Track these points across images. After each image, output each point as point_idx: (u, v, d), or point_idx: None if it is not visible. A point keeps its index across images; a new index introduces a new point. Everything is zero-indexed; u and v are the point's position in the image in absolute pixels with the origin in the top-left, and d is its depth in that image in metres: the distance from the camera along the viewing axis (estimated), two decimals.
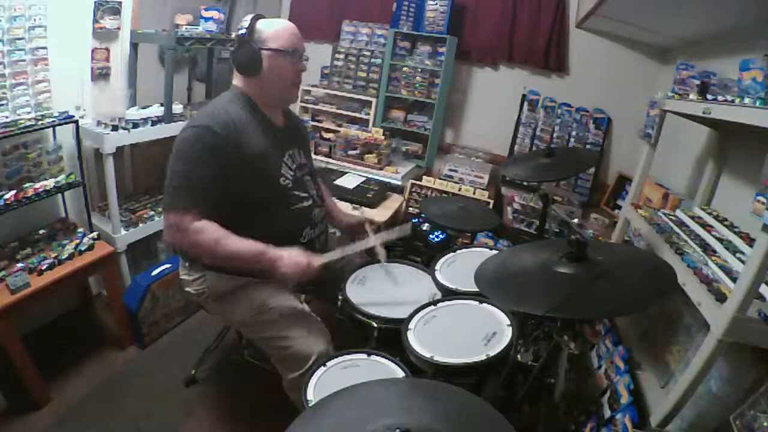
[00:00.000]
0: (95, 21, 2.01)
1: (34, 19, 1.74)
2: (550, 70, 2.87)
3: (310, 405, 1.04)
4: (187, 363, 1.93)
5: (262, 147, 1.32)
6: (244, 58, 1.31)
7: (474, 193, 2.71)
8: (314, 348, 1.32)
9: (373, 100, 3.05)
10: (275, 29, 1.31)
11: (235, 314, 1.40)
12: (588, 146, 2.80)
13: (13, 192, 1.67)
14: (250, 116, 1.32)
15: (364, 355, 1.21)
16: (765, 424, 0.90)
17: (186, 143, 1.26)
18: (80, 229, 1.98)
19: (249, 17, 1.31)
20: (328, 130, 3.19)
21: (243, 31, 1.29)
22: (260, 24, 1.31)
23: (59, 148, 1.92)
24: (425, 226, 2.62)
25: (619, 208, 2.36)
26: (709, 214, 1.48)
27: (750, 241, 1.24)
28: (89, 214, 2.02)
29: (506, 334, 1.15)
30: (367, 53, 3.12)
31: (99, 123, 1.98)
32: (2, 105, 1.71)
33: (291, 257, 1.26)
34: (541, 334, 1.28)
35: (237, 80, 1.37)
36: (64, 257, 1.76)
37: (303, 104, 3.25)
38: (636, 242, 1.81)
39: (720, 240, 1.28)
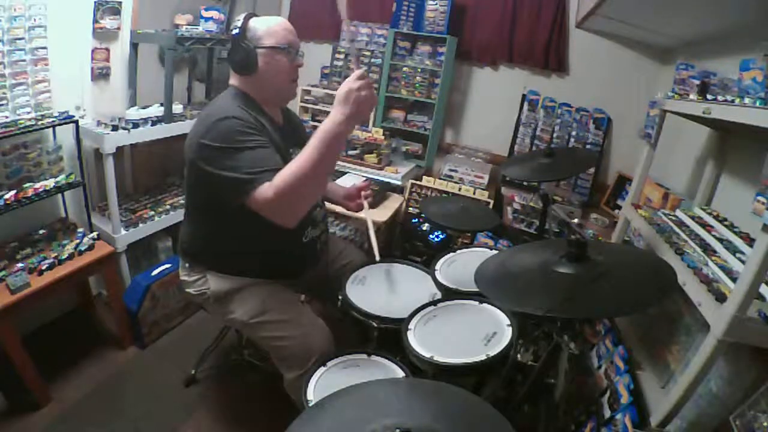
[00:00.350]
0: (95, 21, 2.02)
1: (34, 19, 1.74)
2: (550, 70, 2.86)
3: (310, 405, 1.04)
4: (187, 363, 1.94)
5: (275, 140, 1.31)
6: (239, 58, 1.29)
7: (474, 193, 2.71)
8: (315, 347, 1.32)
9: None
10: (268, 26, 1.30)
11: (236, 314, 1.40)
12: (588, 146, 2.80)
13: (13, 192, 1.67)
14: (255, 113, 1.31)
15: (364, 355, 1.21)
16: (765, 424, 0.90)
17: (223, 136, 1.16)
18: (80, 229, 1.98)
19: (241, 17, 1.30)
20: None
21: (236, 30, 1.28)
22: (253, 22, 1.30)
23: (59, 148, 1.93)
24: (425, 226, 2.62)
25: (619, 208, 2.35)
26: (709, 214, 1.48)
27: (750, 241, 1.23)
28: (89, 214, 2.02)
29: (506, 334, 1.15)
30: (367, 53, 3.12)
31: (99, 123, 1.98)
32: (2, 105, 1.71)
33: (348, 88, 1.07)
34: (541, 334, 1.28)
35: (234, 80, 1.36)
36: (64, 257, 1.76)
37: (303, 104, 3.25)
38: (636, 242, 1.81)
39: (720, 240, 1.28)
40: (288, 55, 1.33)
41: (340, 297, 1.44)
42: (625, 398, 1.17)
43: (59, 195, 1.94)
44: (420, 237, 2.63)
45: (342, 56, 3.19)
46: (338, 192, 1.70)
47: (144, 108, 2.15)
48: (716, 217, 1.43)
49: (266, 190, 1.11)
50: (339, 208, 1.69)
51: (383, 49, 3.04)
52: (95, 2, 1.99)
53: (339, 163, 2.93)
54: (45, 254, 1.77)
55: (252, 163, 1.15)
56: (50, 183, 1.80)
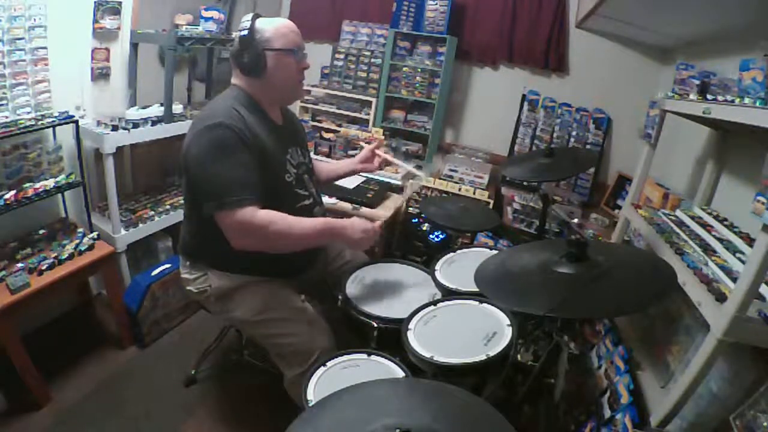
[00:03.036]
0: (95, 21, 2.01)
1: (34, 19, 1.74)
2: (550, 70, 2.86)
3: (310, 405, 1.04)
4: (187, 363, 1.93)
5: (268, 144, 1.32)
6: (248, 59, 1.28)
7: (474, 193, 2.71)
8: (316, 345, 1.32)
9: (373, 100, 3.04)
10: (276, 28, 1.29)
11: (238, 313, 1.40)
12: (588, 146, 2.80)
13: (13, 192, 1.67)
14: (253, 115, 1.31)
15: (364, 355, 1.21)
16: (765, 424, 0.90)
17: (213, 143, 1.20)
18: (80, 229, 1.98)
19: (248, 17, 1.29)
20: (328, 130, 3.18)
21: (245, 32, 1.26)
22: (260, 23, 1.29)
23: (59, 148, 1.92)
24: (425, 226, 2.62)
25: (619, 208, 2.36)
26: (709, 214, 1.48)
27: (750, 241, 1.23)
28: (89, 214, 2.02)
29: (506, 334, 1.15)
30: (367, 53, 3.12)
31: (99, 123, 1.98)
32: (2, 105, 1.71)
33: (356, 225, 1.33)
34: (541, 334, 1.28)
35: (238, 80, 1.35)
36: (64, 257, 1.76)
37: (303, 104, 3.25)
38: (636, 242, 1.81)
39: (720, 240, 1.28)
40: (296, 57, 1.33)
41: (340, 297, 1.44)
42: (625, 398, 1.17)
43: (59, 195, 1.94)
44: (420, 237, 2.63)
45: (342, 56, 3.19)
46: (348, 165, 1.75)
47: (144, 108, 2.14)
48: (716, 217, 1.43)
49: (250, 214, 1.18)
50: (339, 207, 1.71)
51: (383, 49, 3.04)
52: (95, 2, 1.99)
53: (340, 160, 2.93)
54: (45, 254, 1.77)
55: (234, 180, 1.19)
56: (50, 183, 1.80)
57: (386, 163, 1.75)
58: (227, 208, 1.18)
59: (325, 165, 1.76)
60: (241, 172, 1.20)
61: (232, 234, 1.22)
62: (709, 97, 1.28)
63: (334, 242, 1.36)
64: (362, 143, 1.73)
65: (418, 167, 3.03)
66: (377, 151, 1.72)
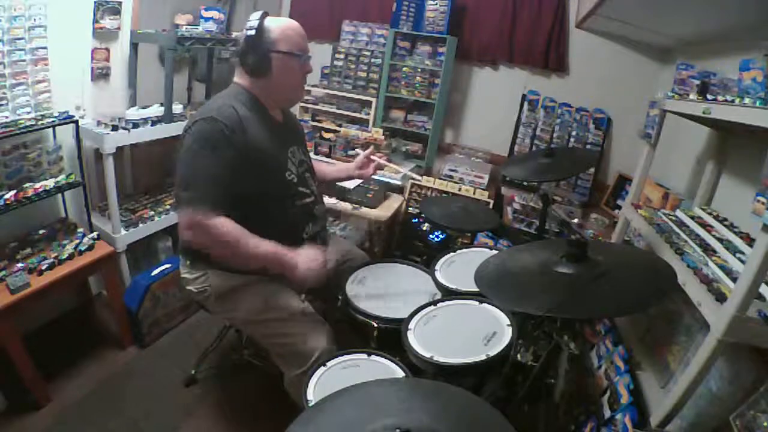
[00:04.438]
0: (95, 21, 2.01)
1: (34, 19, 1.74)
2: (550, 70, 2.86)
3: (310, 405, 1.04)
4: (187, 363, 1.93)
5: (268, 143, 1.32)
6: (253, 60, 1.28)
7: (474, 193, 2.71)
8: (317, 345, 1.32)
9: (373, 100, 3.05)
10: (284, 30, 1.29)
11: (238, 312, 1.40)
12: (588, 146, 2.80)
13: (13, 192, 1.67)
14: (253, 113, 1.31)
15: (364, 355, 1.21)
16: (765, 424, 0.90)
17: (196, 137, 1.22)
18: (80, 229, 1.98)
19: (256, 16, 1.27)
20: (328, 130, 3.18)
21: (252, 31, 1.25)
22: (268, 23, 1.28)
23: (59, 148, 1.92)
24: (425, 226, 2.62)
25: (619, 208, 2.35)
26: (709, 214, 1.48)
27: (750, 241, 1.23)
28: (89, 214, 2.02)
29: (506, 334, 1.15)
30: (367, 53, 3.12)
31: (99, 123, 1.98)
32: (2, 105, 1.71)
33: (307, 259, 1.26)
34: (541, 334, 1.28)
35: (241, 79, 1.35)
36: (64, 257, 1.76)
37: (303, 104, 3.25)
38: (636, 242, 1.81)
39: (720, 240, 1.28)
40: (300, 60, 1.33)
41: (340, 297, 1.44)
42: (625, 398, 1.17)
43: (59, 195, 1.94)
44: (420, 237, 2.63)
45: (342, 56, 3.19)
46: (345, 170, 1.76)
47: (144, 108, 2.14)
48: (716, 217, 1.43)
49: (204, 214, 1.19)
50: (339, 207, 1.71)
51: (383, 49, 3.04)
52: (95, 2, 1.99)
53: (339, 162, 2.93)
54: (45, 254, 1.77)
55: (203, 177, 1.21)
56: (50, 183, 1.80)
57: (381, 167, 1.76)
58: (187, 204, 1.21)
59: (321, 166, 1.75)
60: (212, 171, 1.21)
61: (180, 226, 1.25)
62: (709, 97, 1.28)
63: (281, 271, 1.28)
64: (358, 150, 1.74)
65: (418, 167, 3.04)
66: (372, 157, 1.72)
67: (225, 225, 1.22)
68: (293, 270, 1.25)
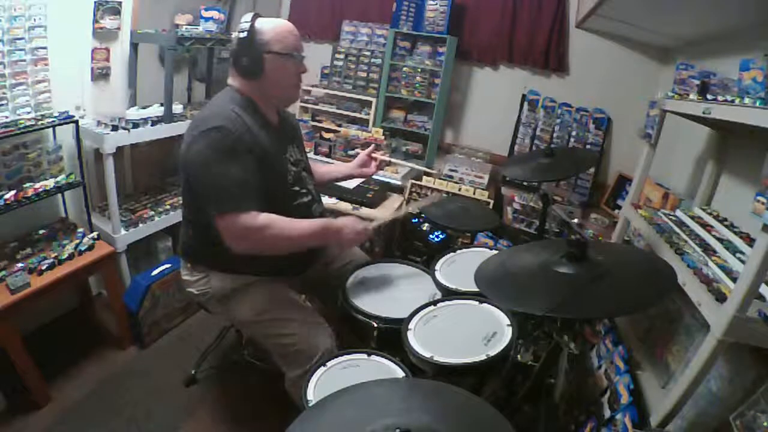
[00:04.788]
0: (95, 21, 2.02)
1: (34, 19, 1.74)
2: (550, 70, 2.86)
3: (310, 405, 1.04)
4: (187, 363, 1.94)
5: (268, 145, 1.31)
6: (246, 62, 1.27)
7: (474, 193, 2.71)
8: (318, 345, 1.32)
9: (373, 100, 3.05)
10: (276, 31, 1.28)
11: (239, 313, 1.40)
12: (588, 146, 2.80)
13: (13, 192, 1.67)
14: (251, 116, 1.30)
15: (364, 355, 1.21)
16: (765, 424, 0.90)
17: (210, 147, 1.20)
18: (80, 229, 1.98)
19: (248, 17, 1.27)
20: (328, 130, 3.18)
21: (243, 33, 1.25)
22: (260, 24, 1.27)
23: (59, 148, 1.93)
24: (425, 226, 2.62)
25: (619, 208, 2.35)
26: (709, 214, 1.47)
27: (750, 241, 1.23)
28: (89, 214, 2.02)
29: (506, 334, 1.15)
30: (367, 53, 3.12)
31: (99, 123, 1.98)
32: (2, 105, 1.71)
33: (352, 227, 1.36)
34: (541, 334, 1.28)
35: (235, 82, 1.34)
36: (64, 257, 1.76)
37: (303, 104, 3.25)
38: (636, 242, 1.81)
39: (720, 240, 1.28)
40: (294, 61, 1.32)
41: (340, 297, 1.44)
42: (625, 398, 1.17)
43: (59, 195, 1.94)
44: (420, 237, 2.63)
45: (342, 56, 3.19)
46: (345, 169, 1.77)
47: (144, 108, 2.14)
48: (716, 217, 1.43)
49: (249, 218, 1.19)
50: (339, 207, 1.71)
51: (383, 49, 3.04)
52: (95, 2, 1.99)
53: (339, 163, 2.93)
54: (45, 254, 1.77)
55: (234, 184, 1.20)
56: (50, 183, 1.80)
57: (385, 164, 1.76)
58: (227, 213, 1.19)
59: (321, 167, 1.75)
60: (240, 175, 1.20)
61: (231, 237, 1.21)
62: (709, 97, 1.28)
63: (329, 243, 1.38)
64: (359, 151, 1.74)
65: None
66: (374, 155, 1.72)
67: (270, 220, 1.22)
68: (342, 238, 1.35)
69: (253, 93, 1.34)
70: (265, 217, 1.21)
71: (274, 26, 1.29)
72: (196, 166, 1.22)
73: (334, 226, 1.34)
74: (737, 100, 1.09)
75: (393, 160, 1.82)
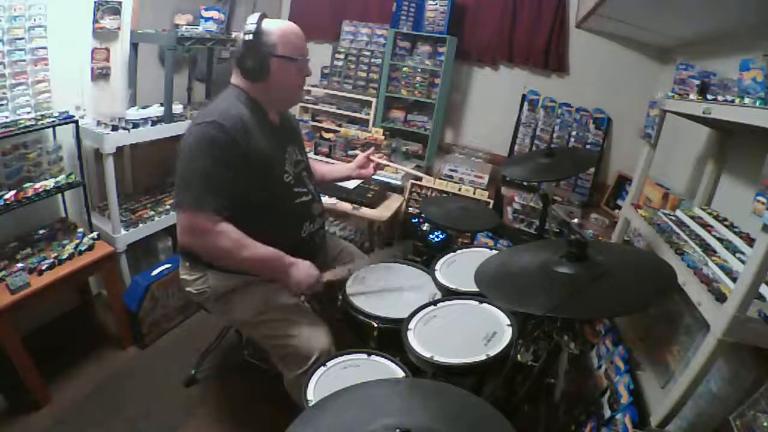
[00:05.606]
0: (95, 21, 2.02)
1: (34, 19, 1.74)
2: (550, 70, 2.87)
3: (310, 405, 1.04)
4: (187, 363, 1.93)
5: (267, 145, 1.32)
6: (252, 64, 1.27)
7: (474, 193, 2.72)
8: (316, 345, 1.32)
9: (373, 100, 3.05)
10: (283, 34, 1.28)
11: (237, 313, 1.40)
12: (588, 146, 2.80)
13: (13, 192, 1.67)
14: (253, 116, 1.31)
15: (364, 355, 1.21)
16: (765, 424, 0.90)
17: (198, 140, 1.21)
18: (80, 229, 1.98)
19: (254, 18, 1.26)
20: (328, 130, 3.19)
21: (250, 35, 1.24)
22: (267, 26, 1.26)
23: (59, 148, 1.92)
24: (425, 226, 2.62)
25: (619, 208, 2.35)
26: (709, 214, 1.47)
27: (750, 241, 1.23)
28: (89, 214, 2.02)
29: (506, 334, 1.15)
30: (367, 53, 3.12)
31: (99, 123, 1.98)
32: (2, 105, 1.71)
33: (305, 267, 1.32)
34: (541, 334, 1.27)
35: (239, 81, 1.34)
36: (64, 257, 1.76)
37: (303, 104, 3.25)
38: (636, 242, 1.81)
39: (720, 240, 1.28)
40: (300, 64, 1.32)
41: (340, 297, 1.44)
42: (625, 398, 1.17)
43: (59, 195, 1.94)
44: (420, 237, 2.63)
45: (342, 56, 3.19)
46: (344, 170, 1.76)
47: (144, 108, 2.14)
48: (716, 217, 1.43)
49: (210, 221, 1.20)
50: (339, 207, 1.71)
51: (383, 49, 3.04)
52: (95, 2, 1.99)
53: (339, 163, 2.93)
54: (45, 254, 1.77)
55: (204, 180, 1.20)
56: (50, 183, 1.80)
57: (381, 167, 1.77)
58: (185, 205, 1.20)
59: (320, 166, 1.76)
60: (213, 174, 1.20)
61: (181, 232, 1.23)
62: (709, 97, 1.28)
63: (277, 277, 1.34)
64: (358, 152, 1.74)
65: (418, 167, 3.04)
66: (372, 157, 1.72)
67: (227, 231, 1.22)
68: (286, 276, 1.31)
69: (258, 94, 1.34)
70: (224, 226, 1.21)
71: (281, 29, 1.28)
72: (180, 154, 1.24)
73: (287, 261, 1.31)
74: (737, 100, 1.09)
75: (390, 164, 1.81)
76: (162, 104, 2.19)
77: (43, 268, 1.69)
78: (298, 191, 1.42)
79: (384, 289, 1.48)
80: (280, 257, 1.30)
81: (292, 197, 1.40)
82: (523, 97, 2.93)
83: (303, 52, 1.33)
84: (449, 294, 1.38)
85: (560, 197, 2.68)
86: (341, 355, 1.22)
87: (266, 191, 1.33)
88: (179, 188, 1.23)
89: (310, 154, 2.99)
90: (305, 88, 3.17)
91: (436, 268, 1.51)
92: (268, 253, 1.28)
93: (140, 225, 2.18)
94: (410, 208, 2.87)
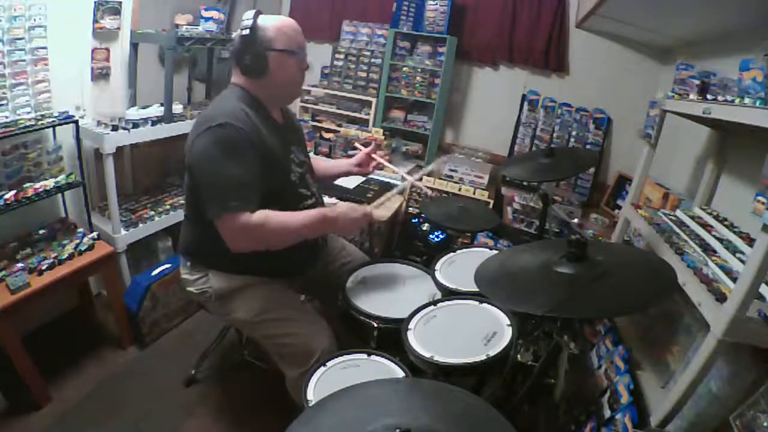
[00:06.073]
0: (95, 21, 2.01)
1: (34, 19, 1.74)
2: (550, 70, 2.87)
3: (310, 405, 1.04)
4: (187, 363, 1.93)
5: (273, 144, 1.31)
6: (249, 60, 1.26)
7: (474, 193, 2.71)
8: (317, 345, 1.32)
9: (373, 100, 3.05)
10: (279, 27, 1.27)
11: (238, 313, 1.40)
12: (588, 146, 2.80)
13: (13, 192, 1.67)
14: (258, 115, 1.30)
15: (364, 355, 1.21)
16: (765, 424, 0.90)
17: (214, 144, 1.19)
18: (80, 229, 1.98)
19: (250, 14, 1.25)
20: (328, 130, 3.19)
21: (246, 31, 1.24)
22: (263, 21, 1.26)
23: (59, 148, 1.92)
24: (425, 226, 2.62)
25: (619, 208, 2.36)
26: (709, 214, 1.47)
27: (750, 241, 1.23)
28: (89, 214, 2.02)
29: (506, 334, 1.15)
30: (367, 53, 3.12)
31: (99, 123, 1.98)
32: (2, 105, 1.71)
33: (350, 211, 1.35)
34: (541, 334, 1.28)
35: (239, 79, 1.33)
36: (64, 257, 1.76)
37: (303, 104, 3.25)
38: (636, 242, 1.81)
39: (720, 240, 1.28)
40: (297, 58, 1.32)
41: (340, 297, 1.44)
42: (625, 398, 1.17)
43: (59, 195, 1.94)
44: (420, 237, 2.63)
45: (342, 56, 3.19)
46: (344, 165, 1.74)
47: (144, 108, 2.14)
48: (716, 217, 1.43)
49: (247, 217, 1.17)
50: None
51: (383, 49, 3.04)
52: (95, 2, 1.99)
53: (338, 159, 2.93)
54: (45, 254, 1.77)
55: (236, 183, 1.18)
56: (50, 183, 1.80)
57: (380, 167, 1.75)
58: (225, 214, 1.17)
59: (320, 162, 1.75)
60: (240, 175, 1.19)
61: (231, 239, 1.21)
62: (709, 97, 1.28)
63: (327, 232, 1.39)
64: (358, 144, 1.73)
65: (418, 167, 3.03)
66: (373, 155, 1.71)
67: (267, 217, 1.20)
68: (336, 228, 1.36)
69: (258, 91, 1.33)
70: (260, 214, 1.20)
71: (276, 23, 1.28)
72: (198, 163, 1.21)
73: (331, 215, 1.32)
74: (737, 100, 1.09)
75: (390, 166, 1.80)
76: (162, 104, 2.18)
77: (43, 268, 1.69)
78: (303, 193, 1.42)
79: (384, 289, 1.48)
80: (323, 215, 1.30)
81: (296, 199, 1.40)
82: (523, 97, 2.93)
83: (301, 45, 1.32)
84: (449, 294, 1.38)
85: (560, 197, 2.68)
86: (341, 355, 1.22)
87: (274, 191, 1.32)
88: (214, 197, 1.19)
89: (310, 154, 2.98)
90: (305, 88, 3.19)
91: (436, 268, 1.51)
92: (309, 217, 1.28)
93: (140, 225, 2.18)
94: (410, 208, 2.87)
